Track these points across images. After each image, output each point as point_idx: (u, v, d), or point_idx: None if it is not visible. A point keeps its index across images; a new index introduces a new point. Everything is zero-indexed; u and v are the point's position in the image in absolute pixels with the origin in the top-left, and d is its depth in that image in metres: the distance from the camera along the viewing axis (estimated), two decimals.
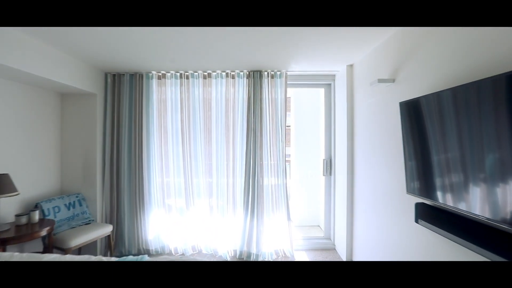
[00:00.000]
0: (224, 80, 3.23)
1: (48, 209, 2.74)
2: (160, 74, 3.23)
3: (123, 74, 3.22)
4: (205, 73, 3.22)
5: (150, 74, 3.23)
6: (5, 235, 2.15)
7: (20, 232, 2.25)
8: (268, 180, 3.28)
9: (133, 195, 3.23)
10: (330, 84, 3.42)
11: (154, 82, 3.24)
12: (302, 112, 4.45)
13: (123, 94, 3.21)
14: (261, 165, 3.20)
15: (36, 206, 2.71)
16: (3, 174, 2.28)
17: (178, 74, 3.22)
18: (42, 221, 2.54)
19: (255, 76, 3.17)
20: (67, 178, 3.17)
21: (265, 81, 3.20)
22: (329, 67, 3.11)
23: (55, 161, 3.09)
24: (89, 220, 3.00)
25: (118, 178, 3.25)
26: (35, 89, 2.80)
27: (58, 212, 2.83)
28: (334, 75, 3.34)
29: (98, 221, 3.17)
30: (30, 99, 2.74)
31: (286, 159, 3.30)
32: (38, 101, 2.84)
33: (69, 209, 2.95)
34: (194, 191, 3.29)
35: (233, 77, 3.22)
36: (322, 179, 3.79)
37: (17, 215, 2.39)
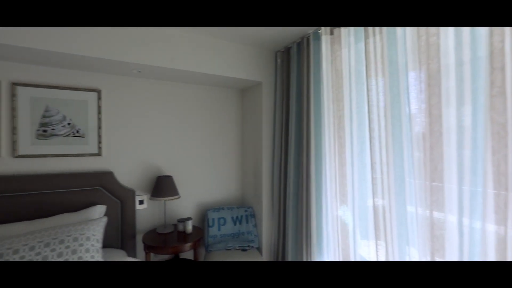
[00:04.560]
0: None
1: (213, 219, 2.44)
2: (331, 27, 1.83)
3: (291, 47, 2.22)
4: None
5: (319, 32, 1.93)
6: (151, 243, 2.02)
7: (165, 241, 2.05)
8: None
9: (299, 227, 2.11)
10: None
11: (324, 42, 1.88)
12: None
13: (292, 75, 2.21)
14: None
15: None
16: (167, 176, 2.22)
17: None
18: (197, 233, 2.24)
19: None
20: (245, 187, 2.76)
21: None
22: None
23: (237, 165, 2.79)
24: (248, 246, 2.33)
25: (285, 198, 2.29)
26: (217, 89, 2.65)
27: (223, 225, 2.45)
28: None
29: (263, 252, 2.42)
30: (212, 99, 2.62)
31: None
32: (220, 100, 2.67)
33: (235, 223, 2.48)
34: (393, 230, 1.49)
35: None
36: None
37: (179, 220, 2.26)
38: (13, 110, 1.82)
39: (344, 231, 1.81)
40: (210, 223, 2.41)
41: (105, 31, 1.75)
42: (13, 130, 1.82)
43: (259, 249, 2.44)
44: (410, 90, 1.43)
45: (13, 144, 1.82)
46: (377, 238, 1.59)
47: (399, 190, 1.50)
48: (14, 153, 1.82)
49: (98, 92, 2.05)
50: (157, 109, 2.34)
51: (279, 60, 2.36)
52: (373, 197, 1.61)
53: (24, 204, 1.77)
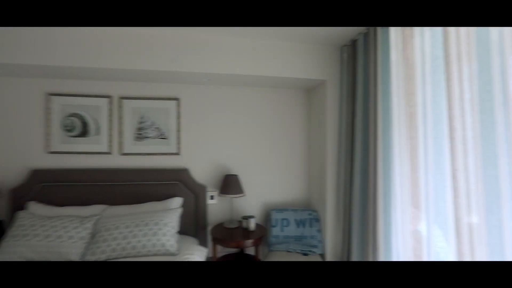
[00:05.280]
0: None
1: (276, 219, 2.46)
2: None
3: (357, 39, 2.02)
4: None
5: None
6: (218, 235, 2.21)
7: (230, 235, 2.20)
8: None
9: (365, 239, 1.89)
10: None
11: (392, 37, 1.62)
12: None
13: (358, 69, 2.00)
14: None
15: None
16: (234, 175, 2.39)
17: None
18: (259, 231, 2.31)
19: None
20: (311, 190, 2.67)
21: None
22: None
23: (302, 167, 2.73)
24: (310, 251, 2.24)
25: (350, 204, 2.10)
26: (282, 90, 2.67)
27: (286, 226, 2.44)
28: None
29: (327, 257, 2.28)
30: (277, 101, 2.66)
31: None
32: (285, 102, 2.68)
33: (298, 226, 2.43)
34: (483, 258, 1.15)
35: None
36: None
37: (243, 217, 2.39)
38: (120, 118, 2.34)
39: (418, 250, 1.52)
40: (273, 223, 2.44)
41: (183, 48, 2.04)
42: (120, 133, 2.34)
43: (322, 255, 2.32)
44: (508, 75, 1.09)
45: (120, 144, 2.35)
46: None
47: (492, 206, 1.16)
48: (120, 151, 2.35)
49: (178, 100, 2.41)
50: (226, 112, 2.55)
51: (345, 55, 2.19)
52: (455, 212, 1.29)
53: (125, 192, 2.25)
